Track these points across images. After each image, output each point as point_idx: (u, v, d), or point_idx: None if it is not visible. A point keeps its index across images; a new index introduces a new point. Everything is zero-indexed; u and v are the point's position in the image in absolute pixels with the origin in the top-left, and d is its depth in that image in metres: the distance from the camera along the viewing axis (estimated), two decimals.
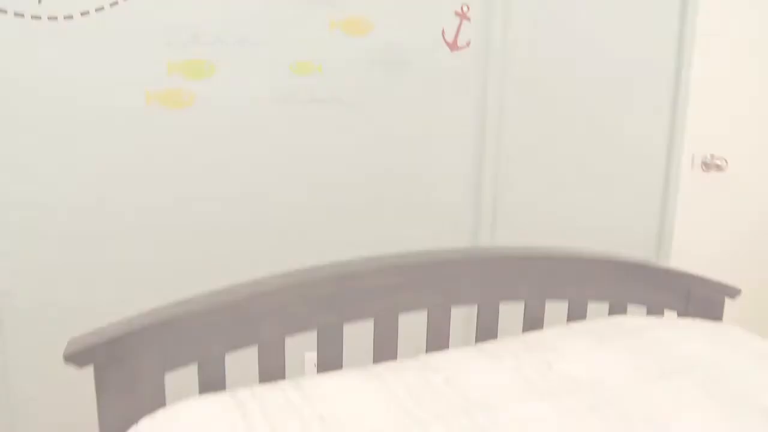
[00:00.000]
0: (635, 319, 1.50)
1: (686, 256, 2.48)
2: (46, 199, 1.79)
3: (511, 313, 1.56)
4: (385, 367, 1.25)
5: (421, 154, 2.10)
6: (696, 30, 2.32)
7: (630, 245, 2.39)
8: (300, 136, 1.96)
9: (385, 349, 1.36)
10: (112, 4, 1.77)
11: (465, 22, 2.07)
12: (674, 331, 1.45)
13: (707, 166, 2.48)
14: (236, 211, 1.95)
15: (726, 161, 2.47)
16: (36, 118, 1.75)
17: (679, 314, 1.66)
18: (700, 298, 1.67)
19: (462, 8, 2.06)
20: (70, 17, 1.74)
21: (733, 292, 1.70)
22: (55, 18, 1.74)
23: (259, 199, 1.96)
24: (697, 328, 1.49)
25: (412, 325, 1.50)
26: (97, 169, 1.81)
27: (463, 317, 2.04)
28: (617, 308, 1.59)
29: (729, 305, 1.86)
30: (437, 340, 1.41)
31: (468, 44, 2.08)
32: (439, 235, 2.17)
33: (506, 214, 2.23)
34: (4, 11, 1.70)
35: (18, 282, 1.80)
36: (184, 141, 1.87)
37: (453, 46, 2.07)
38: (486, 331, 1.45)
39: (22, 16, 1.71)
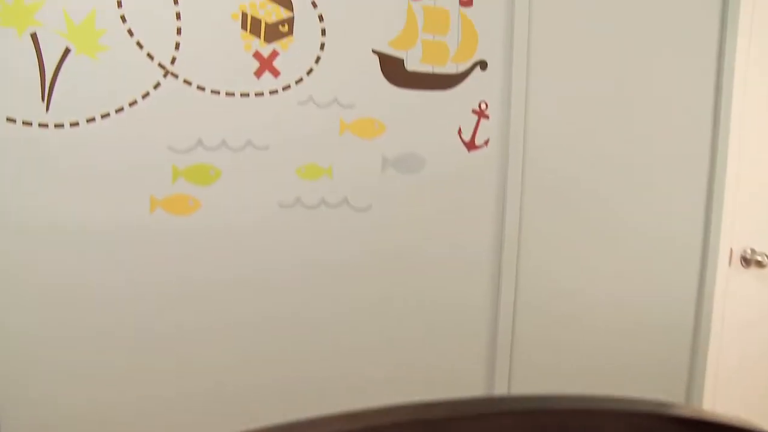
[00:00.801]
0: None
1: (724, 364, 2.31)
2: (47, 313, 1.77)
3: None
4: None
5: (436, 264, 2.01)
6: (731, 120, 2.18)
7: (662, 355, 2.24)
8: (307, 243, 1.90)
9: None
10: (117, 110, 1.75)
11: (483, 120, 1.98)
12: None
13: (747, 261, 2.31)
14: (240, 323, 1.90)
15: None
16: (41, 227, 1.73)
17: None
18: None
19: (480, 106, 1.98)
20: (77, 124, 1.73)
21: None
22: (62, 125, 1.73)
23: (264, 311, 1.91)
24: None
25: None
26: (100, 278, 1.79)
27: None
28: None
29: None
30: None
31: (486, 143, 1.99)
32: (454, 340, 2.07)
33: (526, 329, 2.12)
34: (13, 120, 1.70)
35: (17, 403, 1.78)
36: (188, 249, 1.83)
37: (470, 145, 1.98)
38: None
39: (30, 124, 1.70)
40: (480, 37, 1.95)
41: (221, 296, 1.87)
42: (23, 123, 1.70)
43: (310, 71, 1.84)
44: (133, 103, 1.75)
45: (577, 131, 2.07)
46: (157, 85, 1.76)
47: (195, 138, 1.80)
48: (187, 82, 1.78)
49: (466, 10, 1.93)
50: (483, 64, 1.96)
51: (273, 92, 1.83)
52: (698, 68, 2.14)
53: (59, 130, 1.72)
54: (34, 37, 1.68)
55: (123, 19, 1.72)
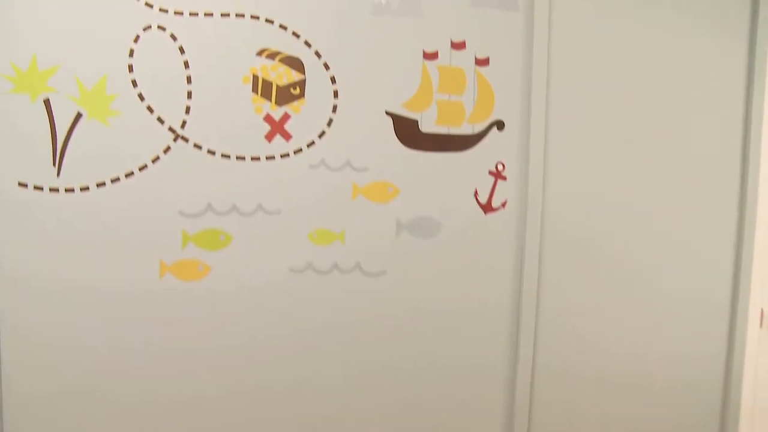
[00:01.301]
0: None
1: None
2: (53, 376, 1.75)
3: None
4: None
5: (452, 329, 1.96)
6: (760, 179, 2.09)
7: (690, 421, 2.15)
8: (319, 308, 1.86)
9: None
10: (127, 175, 1.73)
11: (500, 181, 1.92)
12: None
13: None
14: (250, 388, 1.86)
15: None
16: (49, 291, 1.72)
17: None
18: None
19: (497, 167, 1.92)
20: (87, 189, 1.72)
21: None
22: (72, 190, 1.72)
23: (275, 376, 1.87)
24: None
25: None
26: (108, 343, 1.77)
27: None
28: None
29: None
30: None
31: (504, 205, 1.94)
32: (470, 404, 2.01)
33: (545, 392, 2.05)
34: (25, 185, 1.69)
35: None
36: (198, 315, 1.80)
37: (487, 208, 1.93)
38: None
39: (41, 189, 1.69)
40: (497, 96, 1.90)
41: (231, 362, 1.83)
42: (34, 187, 1.69)
43: (322, 134, 1.81)
44: (143, 168, 1.74)
45: (598, 191, 2.00)
46: (167, 150, 1.74)
47: (205, 203, 1.77)
48: (198, 146, 1.75)
49: (482, 70, 1.89)
50: (500, 124, 1.90)
51: (284, 156, 1.80)
52: (724, 127, 2.07)
53: (69, 195, 1.71)
54: (46, 102, 1.67)
55: (134, 83, 1.71)
